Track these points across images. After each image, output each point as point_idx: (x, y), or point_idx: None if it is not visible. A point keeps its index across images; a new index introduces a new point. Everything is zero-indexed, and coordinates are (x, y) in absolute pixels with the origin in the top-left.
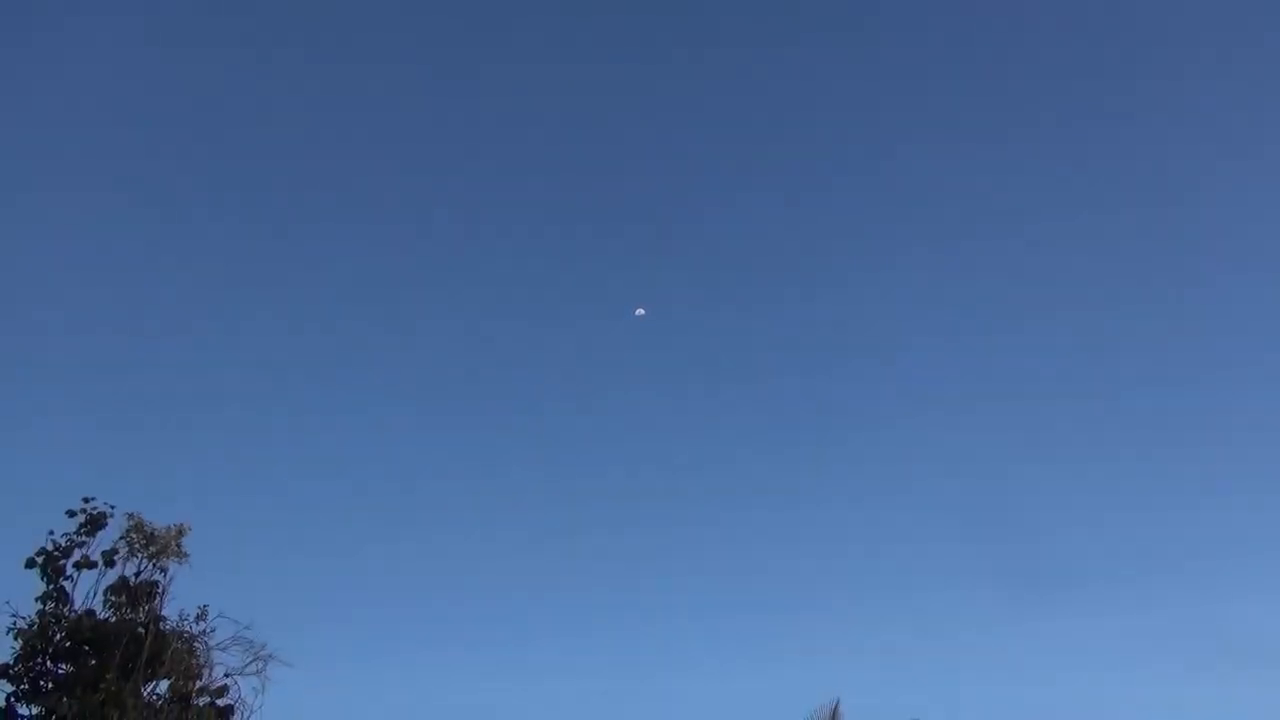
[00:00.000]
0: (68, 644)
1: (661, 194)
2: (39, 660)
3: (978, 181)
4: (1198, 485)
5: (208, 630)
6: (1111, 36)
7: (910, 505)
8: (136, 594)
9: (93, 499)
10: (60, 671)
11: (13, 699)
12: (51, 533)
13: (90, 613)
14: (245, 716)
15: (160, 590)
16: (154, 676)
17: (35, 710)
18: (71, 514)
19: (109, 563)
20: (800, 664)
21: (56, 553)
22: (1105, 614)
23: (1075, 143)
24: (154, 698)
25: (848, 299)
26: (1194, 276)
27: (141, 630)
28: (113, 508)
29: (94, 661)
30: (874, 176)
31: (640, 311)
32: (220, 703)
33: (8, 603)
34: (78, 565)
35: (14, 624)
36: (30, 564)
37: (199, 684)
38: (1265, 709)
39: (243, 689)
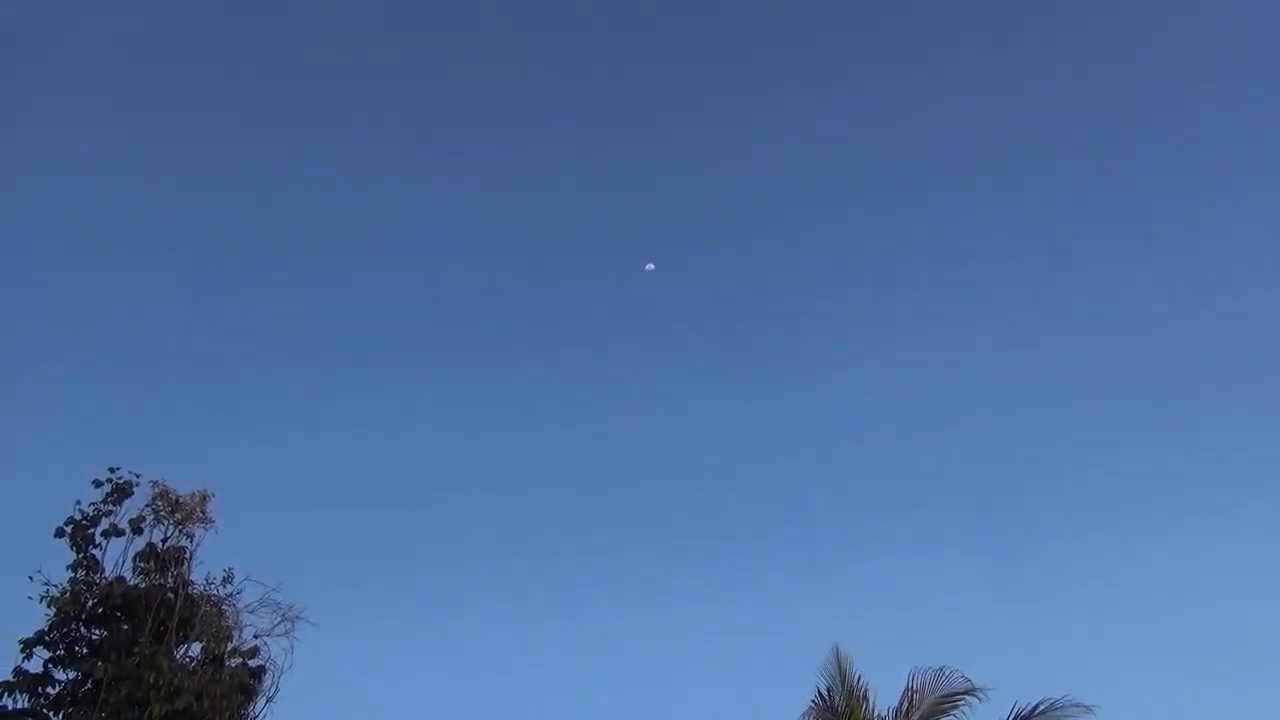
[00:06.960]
0: (100, 610)
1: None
2: (73, 626)
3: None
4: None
5: (234, 593)
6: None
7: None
8: (164, 560)
9: (118, 469)
10: (94, 637)
11: (50, 664)
12: (79, 502)
13: (120, 579)
14: (276, 676)
15: (187, 555)
16: (185, 639)
17: (72, 674)
18: (98, 484)
19: (136, 530)
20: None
21: (85, 522)
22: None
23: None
24: (187, 659)
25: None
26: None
27: (171, 595)
28: (138, 476)
29: (126, 626)
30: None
31: (650, 266)
32: (252, 663)
33: (39, 571)
34: (105, 533)
35: (47, 592)
36: (60, 533)
37: (230, 645)
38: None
39: (272, 650)
